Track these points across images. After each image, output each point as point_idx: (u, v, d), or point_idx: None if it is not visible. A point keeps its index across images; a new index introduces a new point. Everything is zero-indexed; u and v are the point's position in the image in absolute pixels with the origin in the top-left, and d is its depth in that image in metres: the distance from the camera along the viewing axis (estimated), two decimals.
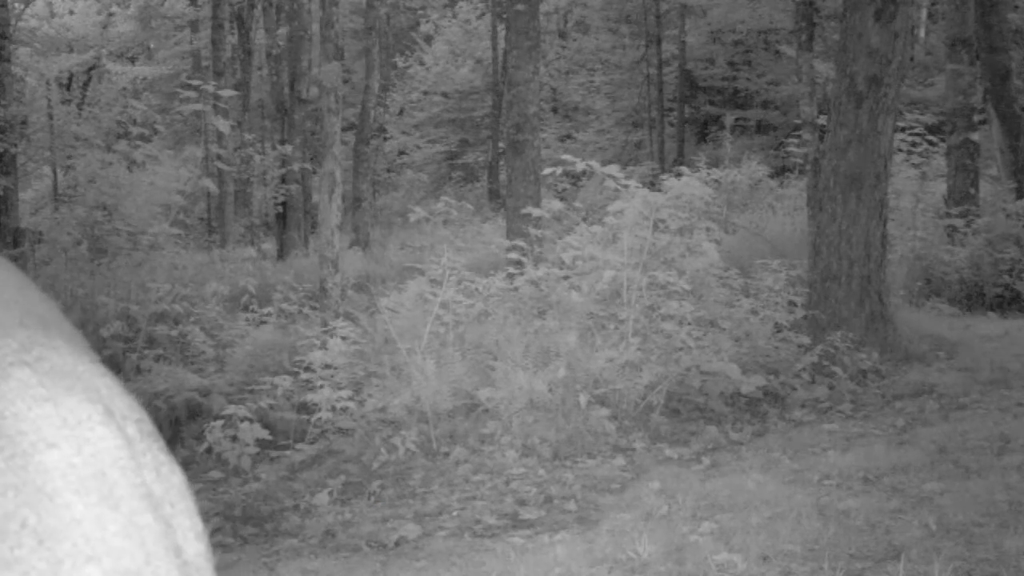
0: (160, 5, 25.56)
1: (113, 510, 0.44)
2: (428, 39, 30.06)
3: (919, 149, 12.54)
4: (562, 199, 11.74)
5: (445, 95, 29.08)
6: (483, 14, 28.80)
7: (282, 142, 19.72)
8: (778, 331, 7.72)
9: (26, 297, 0.53)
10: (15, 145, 12.11)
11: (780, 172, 18.84)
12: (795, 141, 13.59)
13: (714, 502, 5.13)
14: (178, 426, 7.13)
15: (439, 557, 4.67)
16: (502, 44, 19.33)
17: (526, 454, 6.09)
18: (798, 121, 12.93)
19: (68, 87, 26.33)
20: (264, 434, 6.20)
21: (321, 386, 6.59)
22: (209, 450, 6.14)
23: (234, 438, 6.13)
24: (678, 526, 4.78)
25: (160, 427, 1.38)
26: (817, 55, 14.82)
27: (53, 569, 0.41)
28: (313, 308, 9.85)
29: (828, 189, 8.36)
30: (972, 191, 13.00)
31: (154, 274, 9.95)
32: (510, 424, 6.31)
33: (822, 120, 10.45)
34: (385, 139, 24.50)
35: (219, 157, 15.98)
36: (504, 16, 15.29)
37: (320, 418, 6.50)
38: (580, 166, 7.53)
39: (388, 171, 26.85)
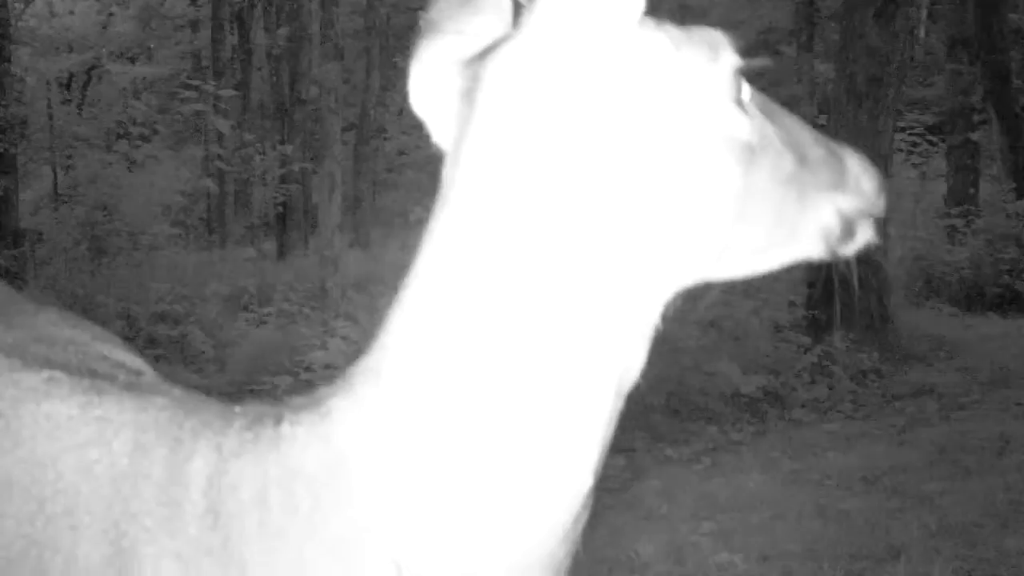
0: (160, 5, 25.56)
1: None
2: None
3: (919, 149, 12.55)
4: None
5: None
6: None
7: (282, 142, 19.73)
8: (778, 331, 7.72)
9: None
10: (15, 145, 12.12)
11: None
12: None
13: (714, 502, 5.13)
14: None
15: None
16: None
17: None
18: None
19: (68, 87, 26.33)
20: None
21: (321, 386, 6.58)
22: None
23: None
24: (678, 526, 4.78)
25: None
26: (817, 55, 14.83)
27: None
28: (313, 308, 9.85)
29: None
30: (972, 191, 13.01)
31: (154, 274, 9.96)
32: None
33: (822, 120, 10.45)
34: (385, 139, 24.50)
35: (219, 157, 15.97)
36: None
37: None
38: None
39: (388, 171, 26.84)
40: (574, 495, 1.14)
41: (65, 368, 1.41)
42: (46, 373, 1.38)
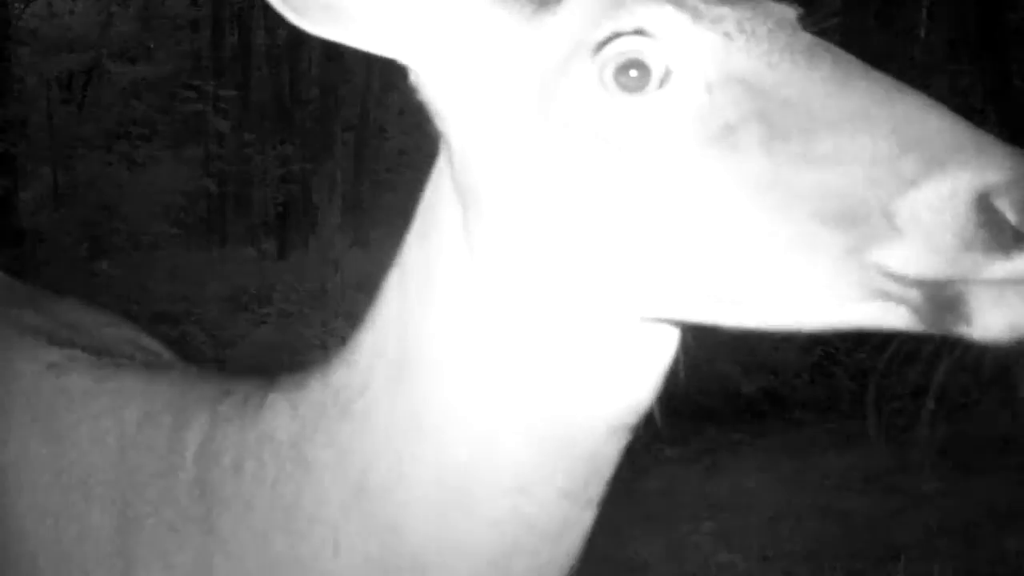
0: (161, 5, 25.57)
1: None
2: None
3: None
4: None
5: None
6: None
7: (282, 142, 19.72)
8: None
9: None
10: (15, 145, 12.12)
11: None
12: None
13: (714, 502, 5.13)
14: None
15: None
16: None
17: None
18: None
19: (68, 87, 26.33)
20: None
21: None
22: None
23: None
24: (678, 526, 4.78)
25: None
26: None
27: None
28: (313, 308, 9.85)
29: None
30: None
31: (154, 274, 9.95)
32: None
33: None
34: (385, 139, 24.50)
35: (219, 157, 15.95)
36: None
37: None
38: None
39: (388, 171, 26.83)
40: (505, 509, 1.08)
41: (86, 348, 1.46)
42: (67, 351, 1.42)
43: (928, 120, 0.86)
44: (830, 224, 0.83)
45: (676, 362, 1.21)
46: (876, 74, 0.96)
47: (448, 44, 1.03)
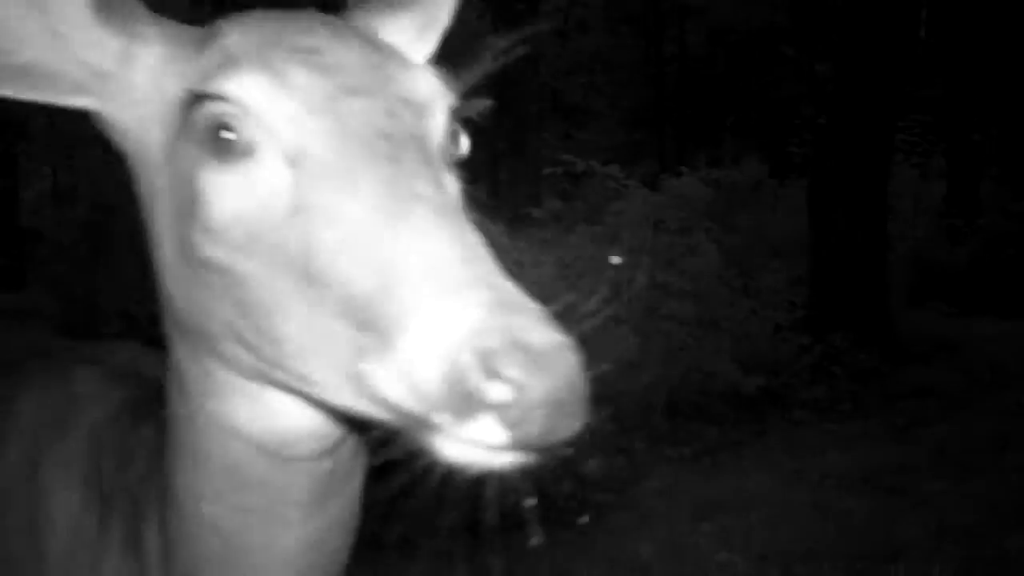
0: (161, 7, 25.60)
1: None
2: None
3: (919, 149, 12.53)
4: (562, 199, 11.74)
5: None
6: (483, 14, 28.76)
7: None
8: (778, 331, 7.72)
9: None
10: (15, 145, 12.10)
11: (781, 172, 18.82)
12: (795, 141, 13.58)
13: (714, 502, 5.13)
14: None
15: (439, 557, 4.67)
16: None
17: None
18: (798, 121, 12.92)
19: None
20: None
21: None
22: None
23: None
24: (678, 526, 4.78)
25: None
26: (817, 55, 14.84)
27: None
28: None
29: (828, 189, 8.36)
30: (973, 191, 12.99)
31: (154, 274, 9.92)
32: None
33: (822, 120, 10.44)
34: None
35: None
36: (504, 16, 15.32)
37: None
38: (580, 166, 7.54)
39: None
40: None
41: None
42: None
43: (437, 261, 0.86)
44: (342, 322, 0.86)
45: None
46: (433, 194, 0.91)
47: (107, 87, 1.06)
